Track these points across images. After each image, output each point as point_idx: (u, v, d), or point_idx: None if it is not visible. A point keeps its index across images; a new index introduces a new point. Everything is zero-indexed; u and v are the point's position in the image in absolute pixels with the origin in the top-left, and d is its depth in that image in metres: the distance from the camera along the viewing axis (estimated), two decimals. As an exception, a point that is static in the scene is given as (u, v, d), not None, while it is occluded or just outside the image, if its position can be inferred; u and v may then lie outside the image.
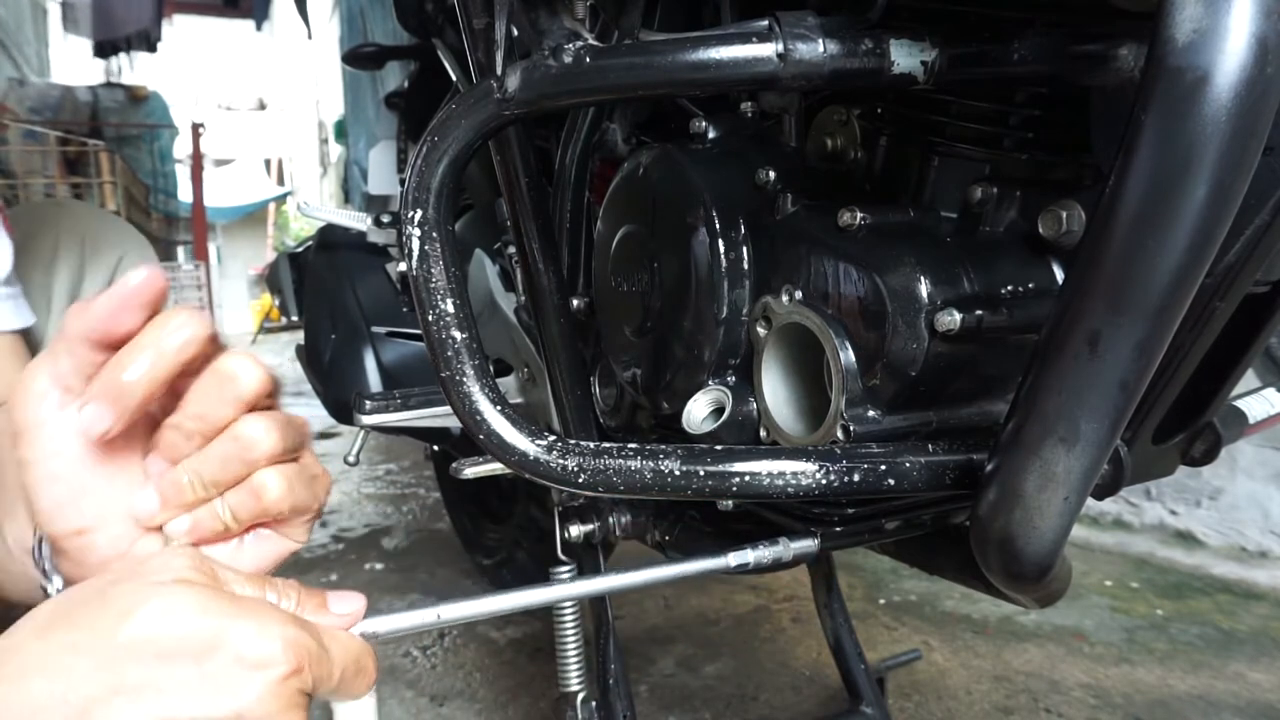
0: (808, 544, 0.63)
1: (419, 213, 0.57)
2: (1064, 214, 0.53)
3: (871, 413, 0.57)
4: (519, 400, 1.11)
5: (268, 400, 0.45)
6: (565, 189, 0.89)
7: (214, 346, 0.44)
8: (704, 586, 1.78)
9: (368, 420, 1.13)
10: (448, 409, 0.57)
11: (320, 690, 0.40)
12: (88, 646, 0.35)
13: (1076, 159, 0.58)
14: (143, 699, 0.35)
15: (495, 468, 0.89)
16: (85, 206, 1.02)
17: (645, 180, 0.71)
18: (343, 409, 1.31)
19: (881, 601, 1.70)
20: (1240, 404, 0.72)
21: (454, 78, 1.26)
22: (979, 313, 0.53)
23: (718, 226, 0.64)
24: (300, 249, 1.78)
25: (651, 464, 0.51)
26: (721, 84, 0.51)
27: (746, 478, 0.51)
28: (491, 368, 0.64)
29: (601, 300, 0.79)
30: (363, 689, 0.43)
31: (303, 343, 1.53)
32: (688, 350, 0.68)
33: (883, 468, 0.52)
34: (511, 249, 1.05)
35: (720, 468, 0.51)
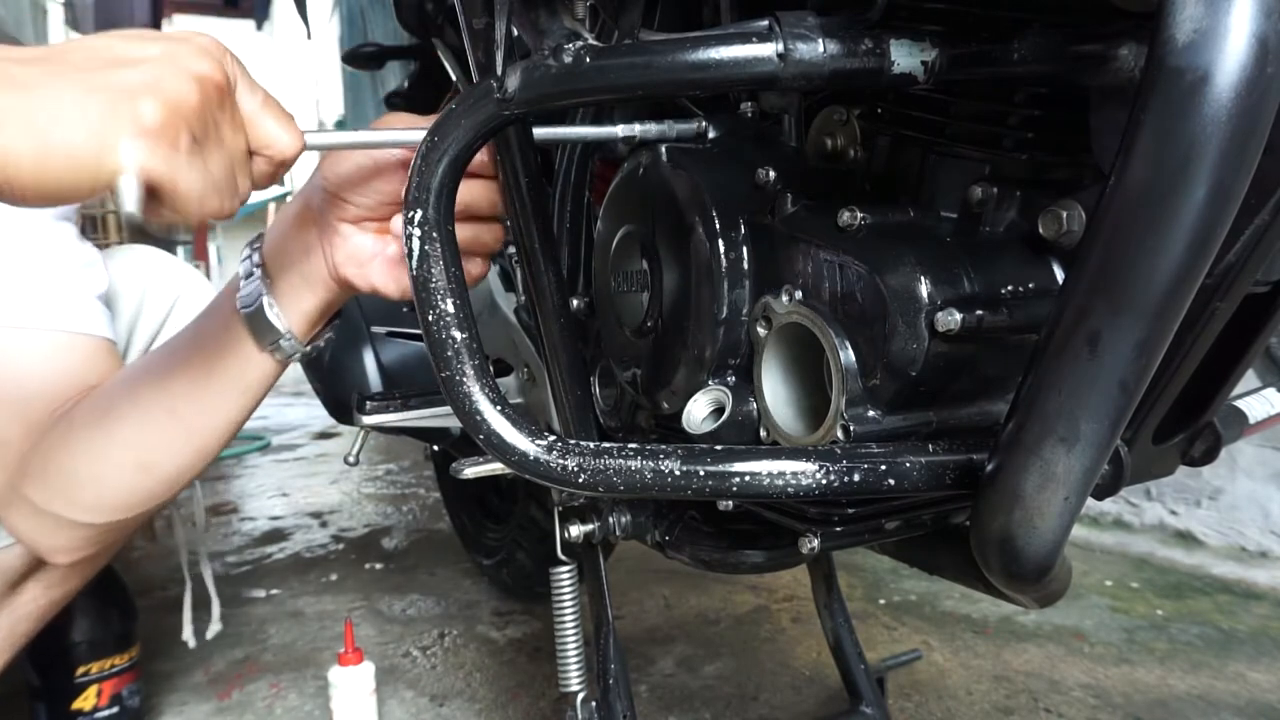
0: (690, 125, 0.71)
1: (419, 213, 0.57)
2: (1064, 214, 0.53)
3: (871, 413, 0.57)
4: (519, 400, 1.11)
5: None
6: (565, 189, 0.89)
7: None
8: (704, 586, 1.78)
9: (368, 420, 1.13)
10: (448, 409, 0.57)
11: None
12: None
13: (1076, 159, 0.58)
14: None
15: (495, 468, 0.89)
16: (146, 250, 1.11)
17: (645, 180, 0.71)
18: (343, 409, 1.31)
19: (881, 601, 1.70)
20: (1240, 404, 0.72)
21: (454, 78, 1.26)
22: (979, 313, 0.53)
23: (718, 226, 0.64)
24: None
25: (651, 464, 0.51)
26: (721, 84, 0.51)
27: (746, 478, 0.51)
28: (491, 368, 0.64)
29: (601, 300, 0.79)
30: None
31: (302, 343, 1.53)
32: (688, 350, 0.68)
33: (883, 468, 0.52)
34: (511, 249, 1.05)
35: (720, 468, 0.51)
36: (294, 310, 0.73)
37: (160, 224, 0.52)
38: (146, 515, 0.84)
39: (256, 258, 0.73)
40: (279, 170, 0.58)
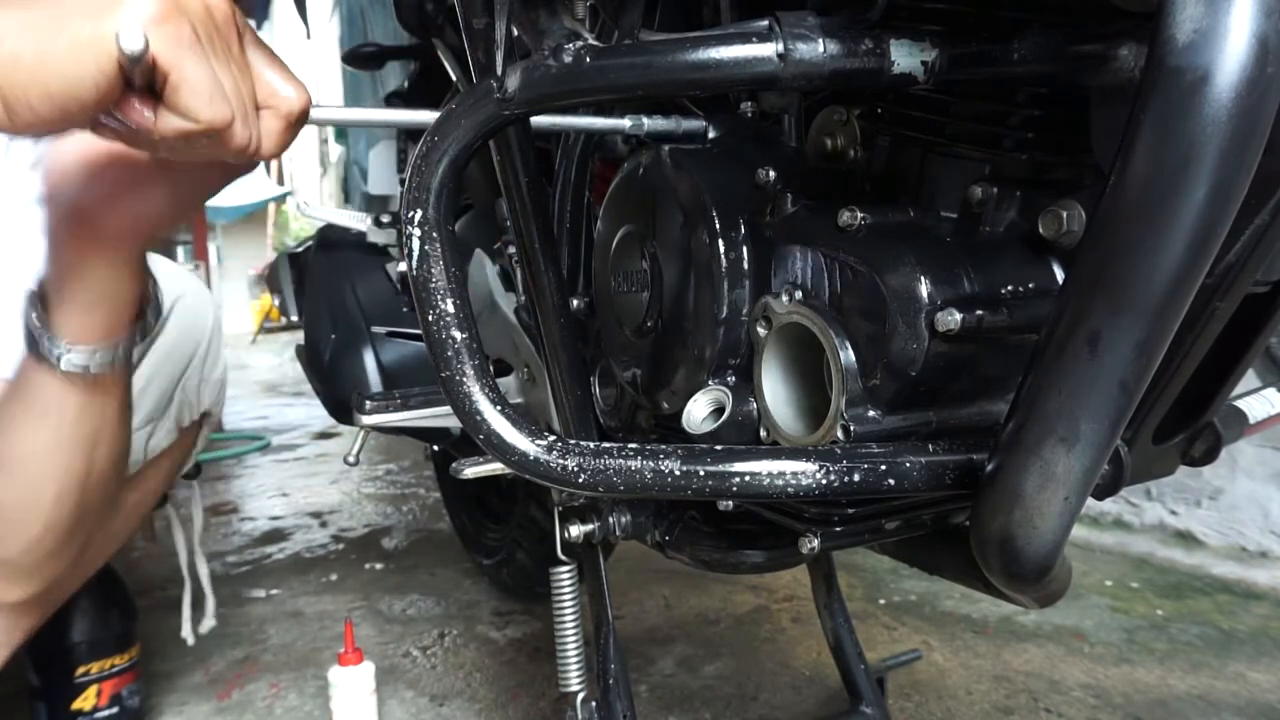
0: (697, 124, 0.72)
1: (419, 213, 0.57)
2: (1064, 214, 0.53)
3: (871, 413, 0.57)
4: (519, 400, 1.11)
5: None
6: (565, 189, 0.89)
7: None
8: (704, 586, 1.78)
9: (368, 420, 1.13)
10: (448, 409, 0.57)
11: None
12: None
13: (1076, 159, 0.58)
14: None
15: (495, 468, 0.89)
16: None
17: (645, 180, 0.71)
18: (343, 409, 1.31)
19: (881, 601, 1.70)
20: (1240, 404, 0.72)
21: (454, 78, 1.26)
22: (979, 313, 0.53)
23: (718, 226, 0.64)
24: (300, 249, 1.79)
25: (651, 464, 0.51)
26: (721, 84, 0.51)
27: (746, 478, 0.51)
28: (491, 368, 0.64)
29: (601, 300, 0.79)
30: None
31: (303, 343, 1.53)
32: (688, 350, 0.68)
33: (883, 468, 0.52)
34: (511, 249, 1.06)
35: (720, 468, 0.51)
36: (75, 316, 0.67)
37: (172, 133, 0.50)
38: (51, 559, 0.82)
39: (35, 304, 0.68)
40: (288, 129, 0.56)
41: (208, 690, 1.43)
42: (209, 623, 1.33)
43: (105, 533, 0.98)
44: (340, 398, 1.35)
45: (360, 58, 1.67)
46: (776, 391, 0.64)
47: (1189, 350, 0.54)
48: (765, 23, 0.50)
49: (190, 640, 1.31)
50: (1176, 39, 0.35)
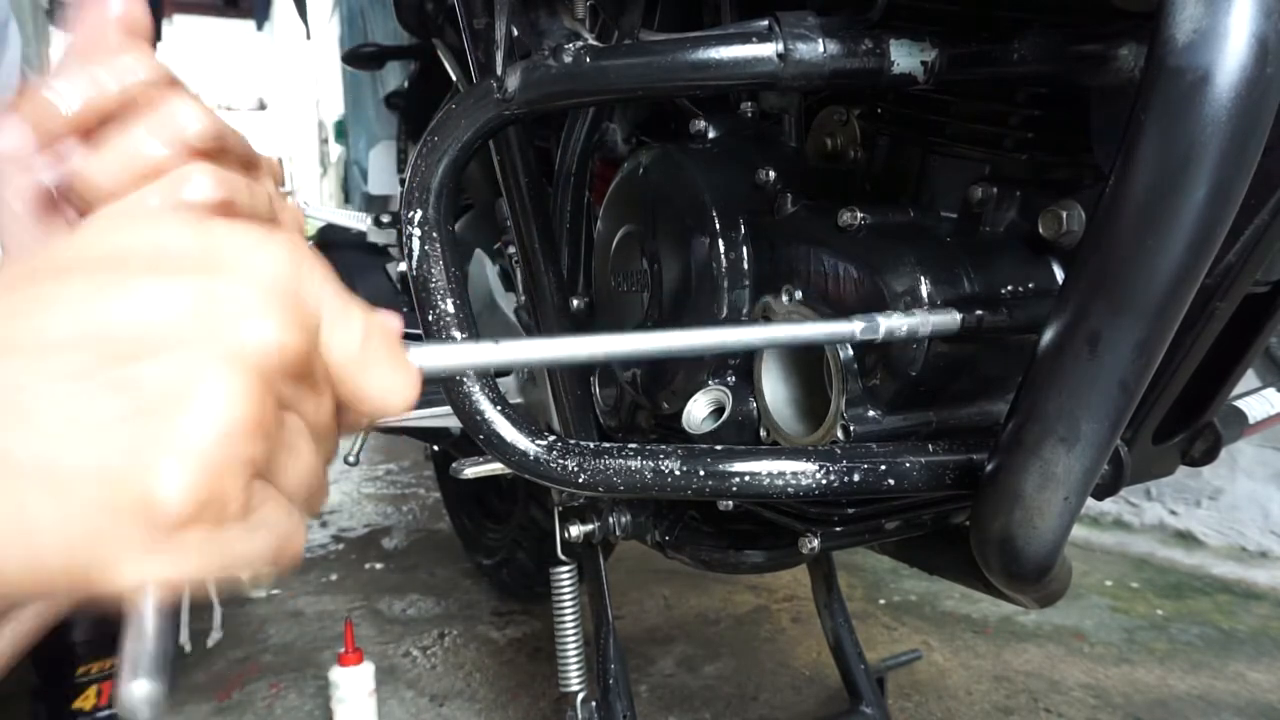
0: None
1: (419, 213, 0.57)
2: (1064, 214, 0.53)
3: (871, 413, 0.57)
4: (519, 400, 1.11)
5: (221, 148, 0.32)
6: (565, 189, 0.89)
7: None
8: (704, 586, 1.78)
9: (367, 420, 1.13)
10: (448, 409, 0.57)
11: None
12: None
13: (1076, 159, 0.58)
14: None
15: (495, 468, 0.89)
16: None
17: (645, 180, 0.71)
18: (342, 409, 1.30)
19: (881, 601, 1.70)
20: (1240, 404, 0.72)
21: (454, 78, 1.26)
22: (979, 313, 0.53)
23: (718, 226, 0.64)
24: (300, 249, 1.78)
25: (651, 464, 0.51)
26: (721, 84, 0.51)
27: (746, 478, 0.51)
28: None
29: (601, 300, 0.79)
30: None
31: (303, 343, 1.53)
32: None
33: (883, 468, 0.52)
34: (511, 249, 1.06)
35: (720, 468, 0.51)
36: None
37: None
38: None
39: None
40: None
41: (208, 690, 1.43)
42: (215, 635, 1.32)
43: None
44: (340, 398, 1.35)
45: (360, 58, 1.67)
46: (776, 391, 0.64)
47: (1189, 350, 0.54)
48: (765, 23, 0.50)
49: (188, 648, 1.30)
50: (1176, 39, 0.35)
